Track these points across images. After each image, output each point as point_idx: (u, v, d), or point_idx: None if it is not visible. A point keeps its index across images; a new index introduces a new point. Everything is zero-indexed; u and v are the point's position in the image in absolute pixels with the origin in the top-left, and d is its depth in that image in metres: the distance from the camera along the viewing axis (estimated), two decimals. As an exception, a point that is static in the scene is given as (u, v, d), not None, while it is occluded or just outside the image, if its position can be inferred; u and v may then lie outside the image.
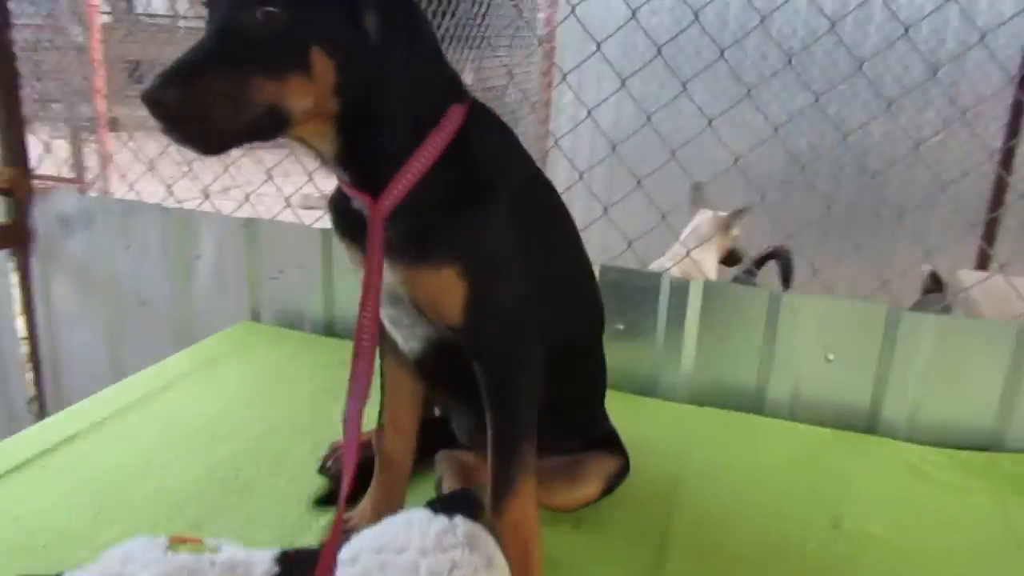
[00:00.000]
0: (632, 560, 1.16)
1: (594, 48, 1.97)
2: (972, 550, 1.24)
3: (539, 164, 1.12)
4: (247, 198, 2.45)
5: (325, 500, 1.24)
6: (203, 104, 0.80)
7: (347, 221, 1.00)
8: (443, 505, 0.93)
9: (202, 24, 0.87)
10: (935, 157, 4.76)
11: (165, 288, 2.12)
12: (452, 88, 0.98)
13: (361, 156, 0.93)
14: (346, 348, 1.83)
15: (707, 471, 1.41)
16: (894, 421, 1.60)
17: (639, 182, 1.90)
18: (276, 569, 0.87)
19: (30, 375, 2.33)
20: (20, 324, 2.29)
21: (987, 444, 1.54)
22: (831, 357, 1.61)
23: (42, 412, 2.35)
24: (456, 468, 1.27)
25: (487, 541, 0.90)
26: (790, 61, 3.23)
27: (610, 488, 1.24)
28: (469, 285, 0.94)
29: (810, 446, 1.54)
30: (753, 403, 1.67)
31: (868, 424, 1.61)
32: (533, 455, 1.03)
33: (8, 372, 2.37)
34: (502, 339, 0.99)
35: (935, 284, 4.11)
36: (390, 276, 0.96)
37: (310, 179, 2.06)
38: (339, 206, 1.03)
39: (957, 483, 1.42)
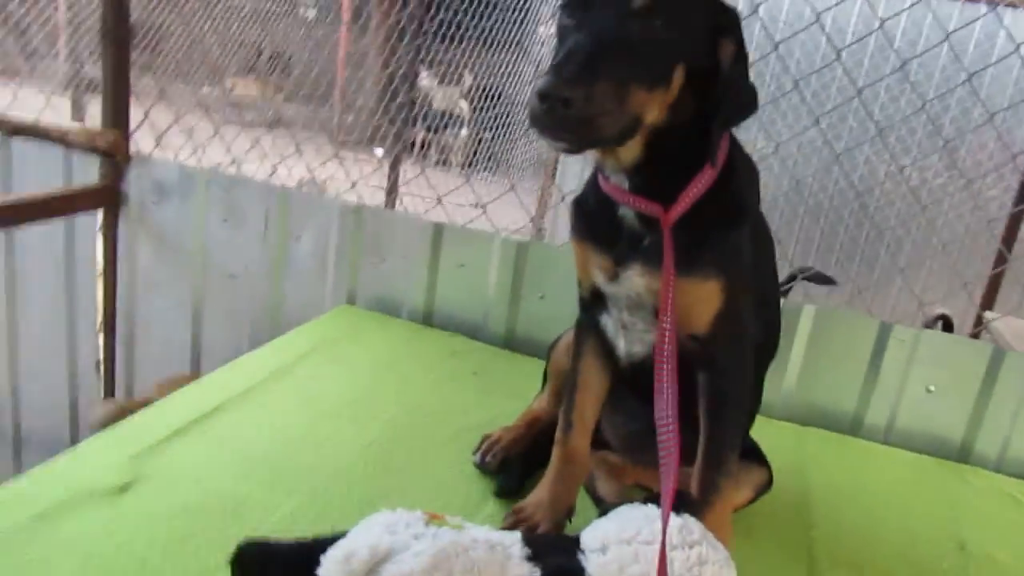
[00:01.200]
0: (786, 570, 1.23)
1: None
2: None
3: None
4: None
5: (499, 494, 1.28)
6: (597, 107, 0.82)
7: (604, 226, 1.04)
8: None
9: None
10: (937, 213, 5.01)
11: (258, 264, 2.13)
12: None
13: (657, 167, 0.97)
14: (450, 340, 1.88)
15: (829, 488, 1.48)
16: (985, 453, 1.69)
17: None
18: (528, 550, 0.91)
19: (101, 337, 2.32)
20: (99, 286, 2.28)
21: (1074, 483, 1.64)
22: (932, 388, 1.70)
23: (108, 376, 2.34)
24: (607, 469, 1.33)
25: (718, 540, 0.96)
26: (817, 121, 3.40)
27: (756, 497, 1.31)
28: (724, 299, 0.99)
29: (912, 471, 1.62)
30: (850, 426, 1.75)
31: (960, 455, 1.70)
32: (737, 464, 1.09)
33: (78, 332, 2.35)
34: (735, 350, 1.05)
35: (946, 327, 4.27)
36: (639, 282, 1.01)
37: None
38: (594, 209, 1.05)
39: (1056, 518, 1.51)
